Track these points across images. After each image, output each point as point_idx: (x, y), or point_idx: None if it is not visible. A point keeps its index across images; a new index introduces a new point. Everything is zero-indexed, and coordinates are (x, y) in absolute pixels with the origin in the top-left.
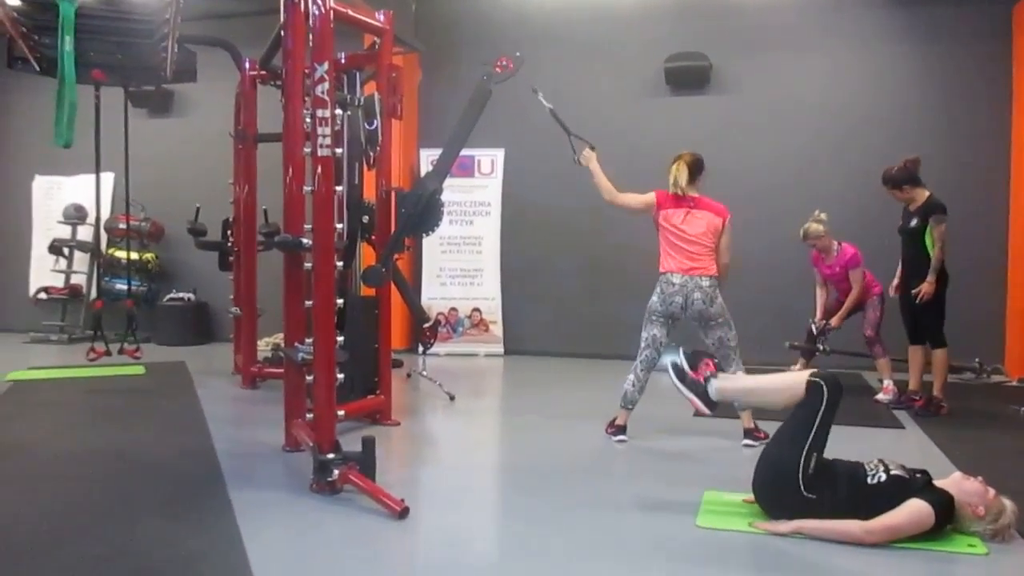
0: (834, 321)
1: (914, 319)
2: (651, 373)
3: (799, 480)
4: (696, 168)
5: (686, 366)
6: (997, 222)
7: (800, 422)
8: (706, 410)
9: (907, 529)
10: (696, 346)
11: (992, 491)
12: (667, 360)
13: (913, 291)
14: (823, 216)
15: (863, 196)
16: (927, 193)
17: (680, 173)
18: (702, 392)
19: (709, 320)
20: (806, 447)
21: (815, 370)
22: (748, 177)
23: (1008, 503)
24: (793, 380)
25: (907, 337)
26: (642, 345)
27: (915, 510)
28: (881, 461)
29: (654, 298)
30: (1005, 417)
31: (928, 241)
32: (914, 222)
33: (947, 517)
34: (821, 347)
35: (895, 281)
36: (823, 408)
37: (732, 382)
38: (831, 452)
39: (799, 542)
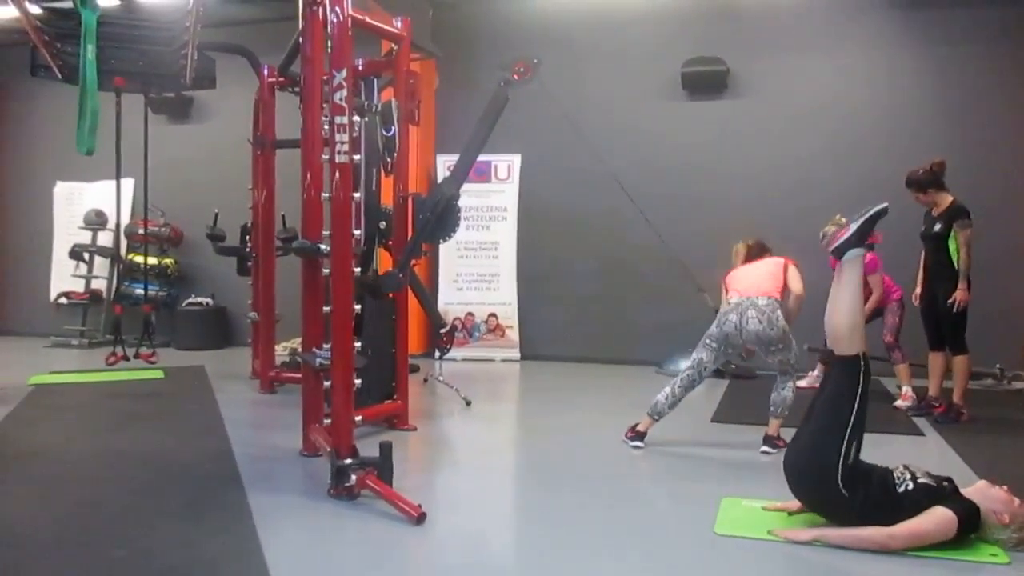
0: None
1: (937, 325)
2: (688, 393)
3: (838, 471)
4: (757, 249)
5: (875, 222)
6: (1018, 227)
7: (839, 406)
8: (839, 242)
9: (930, 536)
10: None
11: (1018, 500)
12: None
13: (949, 300)
14: (842, 220)
15: (881, 200)
16: (951, 197)
17: (737, 255)
18: (853, 243)
19: (769, 345)
20: (847, 435)
21: (866, 350)
22: (765, 181)
23: None
24: (860, 329)
25: (928, 343)
26: (688, 363)
27: (939, 517)
28: (907, 468)
29: (713, 325)
30: None
31: (952, 246)
32: (938, 227)
33: (971, 526)
34: None
35: (918, 290)
36: (860, 390)
37: (857, 273)
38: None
39: (819, 550)
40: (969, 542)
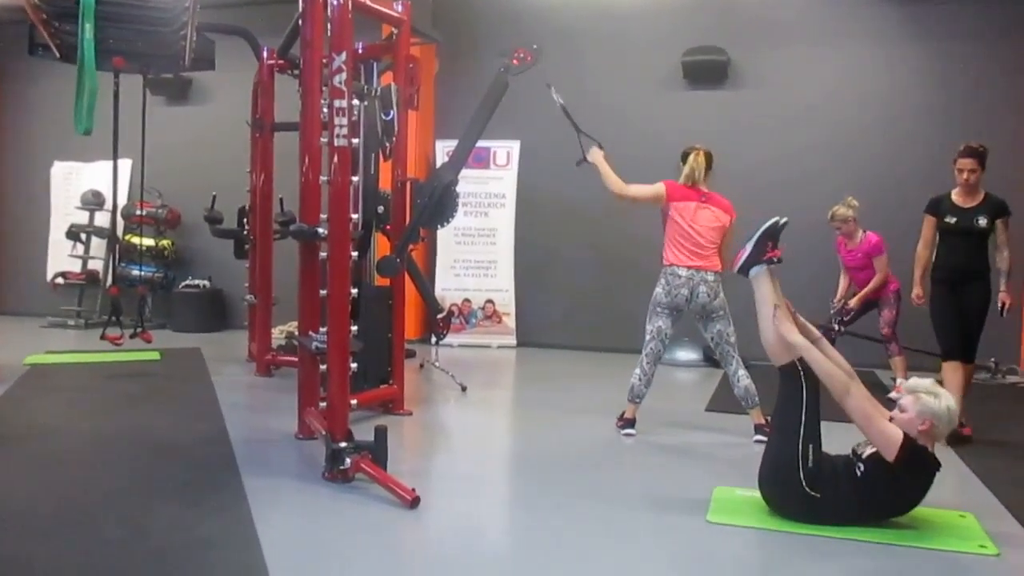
0: (852, 302)
1: (966, 331)
2: (657, 366)
3: (800, 475)
4: (710, 162)
5: (771, 237)
6: (1014, 220)
7: (788, 414)
8: (740, 265)
9: (875, 423)
10: (697, 340)
11: (907, 405)
12: (778, 218)
13: (1000, 304)
14: (854, 202)
15: (879, 191)
16: (983, 190)
17: (698, 164)
18: (753, 260)
19: (711, 313)
20: (800, 439)
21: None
22: (765, 172)
23: (928, 398)
24: (788, 332)
25: (944, 353)
26: (647, 338)
27: (891, 428)
28: (853, 450)
29: (658, 290)
30: (1019, 418)
31: (990, 243)
32: (983, 221)
33: (918, 460)
34: (836, 326)
35: (918, 289)
36: (804, 394)
37: (767, 287)
38: (843, 449)
39: (811, 538)
40: (953, 530)
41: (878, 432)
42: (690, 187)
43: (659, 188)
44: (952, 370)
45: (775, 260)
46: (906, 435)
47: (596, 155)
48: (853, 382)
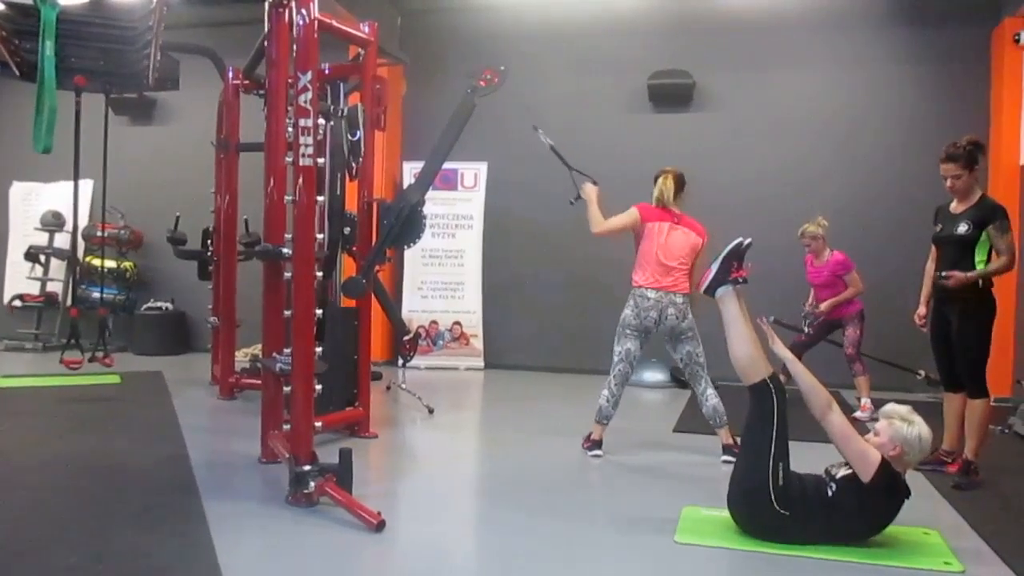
0: (823, 307)
1: (951, 358)
2: (625, 387)
3: (770, 493)
4: (680, 184)
5: (735, 257)
6: None
7: (758, 432)
8: (706, 286)
9: (855, 444)
10: (665, 361)
11: (880, 429)
12: (742, 238)
13: (943, 274)
14: (824, 222)
15: (845, 212)
16: (980, 191)
17: (667, 187)
18: (719, 281)
19: (680, 335)
20: (771, 457)
21: (772, 371)
22: (730, 194)
23: (901, 425)
24: (759, 356)
25: (941, 382)
26: (615, 359)
27: (870, 449)
28: (826, 471)
29: (627, 311)
30: None
31: (980, 255)
32: (964, 228)
33: (893, 483)
34: (805, 328)
35: (922, 309)
36: (776, 413)
37: (734, 306)
38: (808, 468)
39: (778, 557)
40: (922, 549)
41: (857, 452)
42: (662, 208)
43: (633, 212)
44: (946, 400)
45: (740, 280)
46: (883, 457)
47: (589, 192)
48: (834, 403)
